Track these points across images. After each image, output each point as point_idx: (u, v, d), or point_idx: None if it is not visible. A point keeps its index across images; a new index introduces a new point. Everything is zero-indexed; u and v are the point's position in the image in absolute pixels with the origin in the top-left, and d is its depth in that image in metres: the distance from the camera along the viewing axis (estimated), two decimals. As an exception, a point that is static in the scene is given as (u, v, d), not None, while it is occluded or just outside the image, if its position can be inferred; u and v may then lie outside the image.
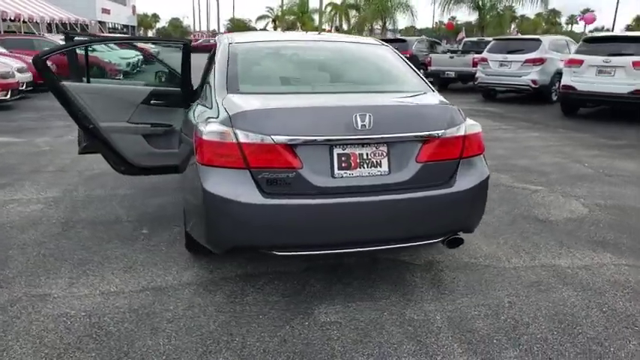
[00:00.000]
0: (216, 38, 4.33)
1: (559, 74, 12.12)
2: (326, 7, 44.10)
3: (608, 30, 40.73)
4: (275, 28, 68.88)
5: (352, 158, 2.61)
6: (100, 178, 5.22)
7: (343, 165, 2.60)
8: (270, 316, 2.72)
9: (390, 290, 3.01)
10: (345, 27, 44.29)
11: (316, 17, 40.70)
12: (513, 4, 22.64)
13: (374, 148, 2.64)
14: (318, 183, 2.56)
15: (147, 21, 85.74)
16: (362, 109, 2.60)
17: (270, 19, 68.23)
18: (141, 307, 2.76)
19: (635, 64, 9.23)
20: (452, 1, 22.85)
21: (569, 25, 78.57)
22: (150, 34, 78.55)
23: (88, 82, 4.01)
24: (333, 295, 2.95)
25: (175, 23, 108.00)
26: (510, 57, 12.63)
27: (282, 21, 52.60)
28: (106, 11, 44.71)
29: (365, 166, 2.63)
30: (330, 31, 46.44)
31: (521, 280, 3.17)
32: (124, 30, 51.17)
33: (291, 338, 2.52)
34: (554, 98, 12.35)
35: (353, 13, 34.73)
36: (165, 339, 2.49)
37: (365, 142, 2.62)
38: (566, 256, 3.53)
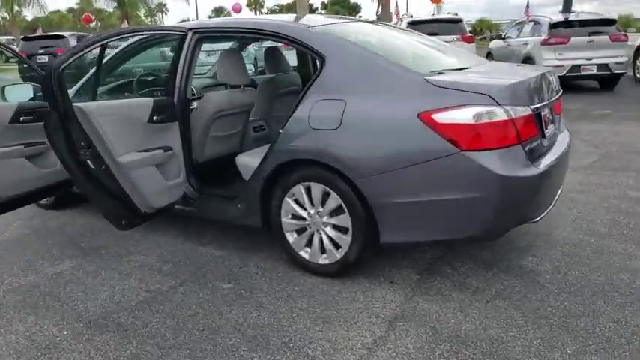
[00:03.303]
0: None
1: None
2: None
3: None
4: None
5: (546, 118, 2.89)
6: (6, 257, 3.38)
7: (545, 125, 2.85)
8: (522, 295, 2.71)
9: (537, 256, 3.16)
10: None
11: None
12: None
13: (548, 109, 3.00)
14: (545, 143, 2.77)
15: None
16: (550, 74, 2.96)
17: None
18: (428, 343, 2.36)
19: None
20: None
21: (147, 18, 68.31)
22: None
23: (94, 98, 2.74)
24: (516, 265, 3.05)
25: None
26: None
27: None
28: None
29: (550, 123, 2.96)
30: None
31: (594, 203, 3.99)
32: None
33: (582, 306, 2.59)
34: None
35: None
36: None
37: (549, 104, 2.94)
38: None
